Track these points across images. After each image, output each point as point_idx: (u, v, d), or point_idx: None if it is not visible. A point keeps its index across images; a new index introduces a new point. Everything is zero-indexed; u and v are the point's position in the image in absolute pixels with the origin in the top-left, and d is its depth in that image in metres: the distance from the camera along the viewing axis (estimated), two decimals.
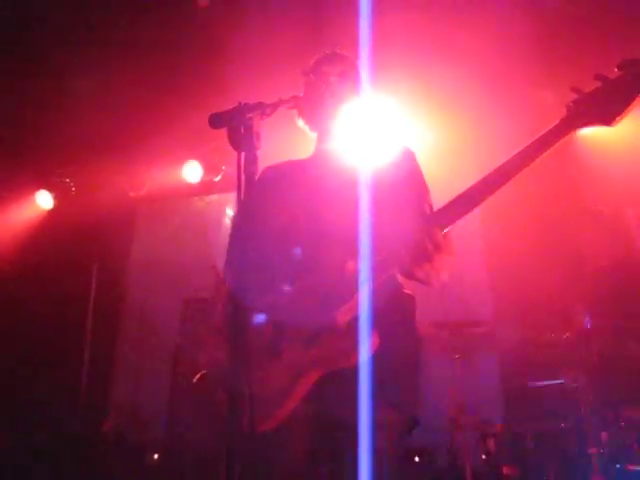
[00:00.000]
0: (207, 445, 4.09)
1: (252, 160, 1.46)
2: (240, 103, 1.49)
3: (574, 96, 1.63)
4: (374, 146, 2.06)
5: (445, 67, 4.35)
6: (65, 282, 5.85)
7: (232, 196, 1.68)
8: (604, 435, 3.06)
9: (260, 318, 1.81)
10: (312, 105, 2.02)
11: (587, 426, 3.07)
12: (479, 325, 3.98)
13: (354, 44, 2.28)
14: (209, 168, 5.80)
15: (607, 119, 1.56)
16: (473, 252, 4.95)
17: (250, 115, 1.48)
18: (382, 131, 2.21)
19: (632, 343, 3.46)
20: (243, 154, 1.45)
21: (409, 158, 2.04)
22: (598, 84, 1.60)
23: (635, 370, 3.37)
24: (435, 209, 1.72)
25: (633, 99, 1.53)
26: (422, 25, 4.06)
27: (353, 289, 1.67)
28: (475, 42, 4.16)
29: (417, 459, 4.07)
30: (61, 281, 5.81)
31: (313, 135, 2.20)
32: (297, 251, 1.89)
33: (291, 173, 2.11)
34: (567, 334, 3.41)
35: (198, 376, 1.83)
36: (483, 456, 3.57)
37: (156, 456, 4.88)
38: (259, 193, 2.00)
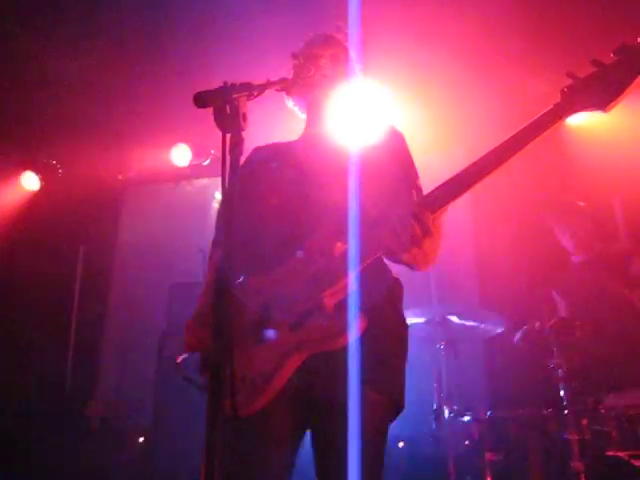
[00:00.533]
0: (193, 427, 4.09)
1: (238, 141, 1.45)
2: (226, 83, 1.47)
3: (569, 81, 1.63)
4: (364, 128, 2.05)
5: (436, 51, 4.33)
6: (51, 265, 5.80)
7: (221, 180, 1.67)
8: (584, 422, 3.10)
9: (246, 299, 1.81)
10: (301, 87, 2.01)
11: (568, 413, 3.11)
12: (465, 313, 4.00)
13: (344, 26, 2.25)
14: (198, 152, 5.77)
15: (601, 104, 1.56)
16: (461, 240, 4.97)
17: (236, 95, 1.47)
18: (372, 114, 2.19)
19: (612, 333, 3.50)
20: (229, 135, 1.44)
21: (398, 141, 2.04)
22: (593, 69, 1.60)
23: (616, 359, 3.41)
24: (425, 192, 1.72)
25: (628, 85, 1.53)
26: (412, 9, 4.03)
27: (340, 271, 1.67)
28: (467, 26, 4.15)
29: (401, 445, 4.11)
30: (47, 264, 5.76)
31: (303, 117, 2.19)
32: (284, 233, 1.88)
33: (280, 154, 2.10)
34: (551, 322, 3.43)
35: (181, 357, 1.82)
36: (466, 442, 3.61)
37: (141, 439, 4.89)
38: (247, 173, 2.00)
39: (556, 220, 3.95)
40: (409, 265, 1.72)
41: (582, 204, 3.90)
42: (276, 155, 2.10)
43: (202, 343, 1.81)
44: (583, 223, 3.84)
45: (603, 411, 3.13)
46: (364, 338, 1.65)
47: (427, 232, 1.59)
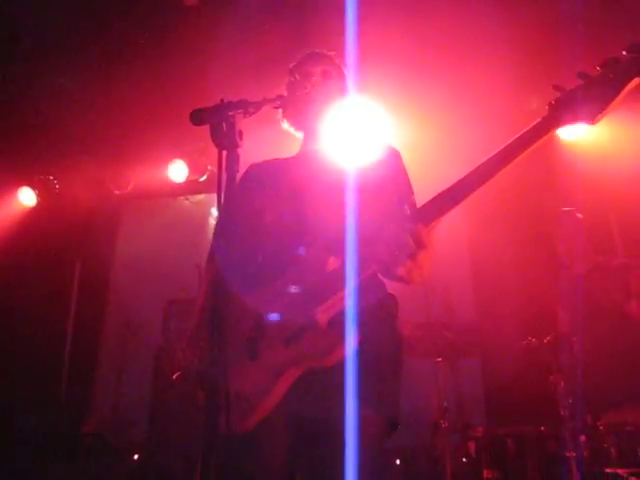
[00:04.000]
0: (188, 444, 4.07)
1: (234, 158, 1.46)
2: (222, 100, 1.48)
3: (556, 95, 1.64)
4: (359, 145, 2.07)
5: (429, 68, 4.37)
6: (47, 280, 5.79)
7: (217, 197, 1.69)
8: (583, 438, 3.08)
9: (240, 314, 1.80)
10: (297, 105, 2.02)
11: (566, 430, 3.09)
12: (462, 328, 3.99)
13: (339, 45, 2.28)
14: (194, 168, 5.79)
15: (589, 117, 1.57)
16: (457, 255, 4.97)
17: (233, 113, 1.48)
18: (367, 130, 2.21)
19: (610, 348, 3.49)
20: (225, 152, 1.45)
21: (394, 157, 2.05)
22: (580, 82, 1.61)
23: (615, 375, 3.40)
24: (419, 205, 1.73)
25: (615, 97, 1.54)
26: (406, 28, 4.07)
27: (335, 287, 1.67)
28: (458, 45, 4.19)
29: (398, 462, 4.08)
30: (43, 279, 5.75)
31: (299, 135, 2.20)
32: (279, 249, 1.88)
33: (277, 171, 2.11)
34: (548, 338, 3.43)
35: (177, 374, 1.81)
36: (464, 459, 3.58)
37: (136, 457, 4.84)
38: (244, 189, 2.01)
39: (555, 230, 3.96)
40: (403, 279, 1.71)
41: (580, 216, 3.92)
42: (272, 172, 2.11)
43: (196, 360, 1.80)
44: (582, 235, 3.85)
45: (602, 428, 3.11)
46: (358, 354, 1.65)
47: (421, 245, 1.59)
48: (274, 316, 1.75)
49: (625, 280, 3.69)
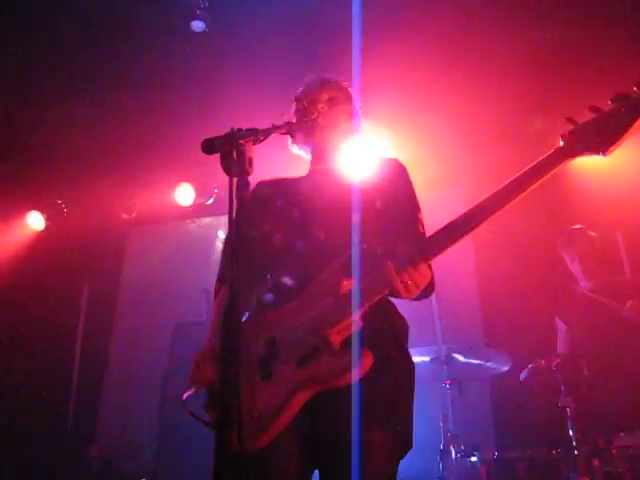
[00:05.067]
0: (197, 469, 4.03)
1: (244, 185, 1.48)
2: (233, 129, 1.51)
3: (567, 124, 1.68)
4: (367, 166, 2.09)
5: (437, 92, 4.41)
6: (55, 304, 5.81)
7: (224, 219, 1.73)
8: (595, 462, 3.04)
9: (253, 335, 1.81)
10: (305, 132, 2.05)
11: (578, 454, 3.05)
12: (470, 351, 3.96)
13: (346, 69, 2.31)
14: (201, 191, 5.82)
15: (601, 149, 1.61)
16: (465, 278, 4.97)
17: (243, 140, 1.50)
18: (375, 151, 2.24)
19: (620, 369, 3.46)
20: (235, 179, 1.47)
21: (401, 175, 2.07)
22: (592, 115, 1.65)
23: (626, 395, 3.37)
24: (427, 233, 1.75)
25: (626, 131, 1.59)
26: (412, 52, 4.12)
27: (347, 309, 1.68)
28: (462, 66, 4.24)
29: None
30: (51, 303, 5.77)
31: (308, 157, 2.23)
32: (290, 271, 1.89)
33: (285, 192, 2.12)
34: (557, 360, 3.40)
35: (187, 394, 1.82)
36: None
37: None
38: (252, 209, 2.02)
39: (566, 246, 4.01)
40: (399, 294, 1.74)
41: (593, 233, 3.96)
42: (281, 193, 2.12)
43: (208, 379, 1.80)
44: (593, 251, 3.89)
45: (614, 451, 3.06)
46: (371, 376, 1.65)
47: (425, 278, 1.67)
48: (287, 335, 1.76)
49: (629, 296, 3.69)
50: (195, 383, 1.83)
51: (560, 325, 3.96)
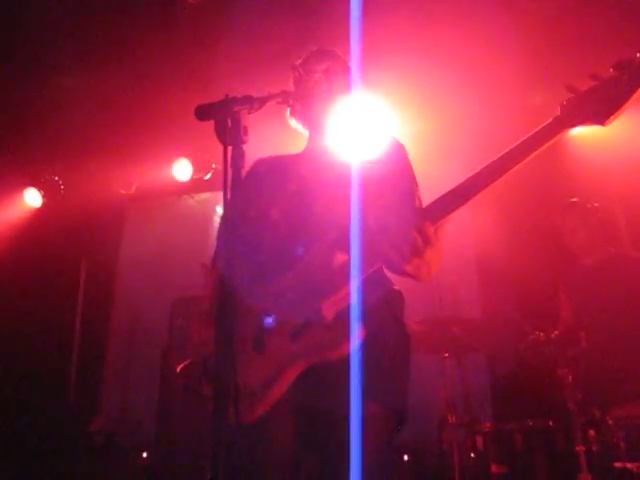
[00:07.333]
0: (196, 442, 4.08)
1: (239, 154, 1.46)
2: (227, 96, 1.48)
3: (568, 95, 1.63)
4: (365, 140, 2.07)
5: (436, 64, 4.36)
6: (53, 281, 5.81)
7: (222, 194, 1.70)
8: (591, 433, 3.07)
9: (247, 308, 1.80)
10: (301, 101, 2.02)
11: (575, 424, 3.08)
12: (468, 323, 3.98)
13: (344, 41, 2.27)
14: (199, 166, 5.79)
15: (601, 119, 1.56)
16: (463, 251, 4.96)
17: (238, 108, 1.47)
18: (373, 126, 2.20)
19: (618, 341, 3.47)
20: (230, 148, 1.45)
21: (399, 152, 2.05)
22: (593, 83, 1.60)
23: (622, 369, 3.38)
24: (426, 204, 1.73)
25: (627, 99, 1.53)
26: (412, 24, 4.07)
27: (340, 282, 1.67)
28: (465, 42, 4.18)
29: (406, 457, 4.08)
30: (49, 280, 5.77)
31: (306, 133, 2.21)
32: (285, 245, 1.89)
33: (283, 167, 2.11)
34: (555, 332, 3.41)
35: (182, 365, 1.83)
36: (472, 455, 3.57)
37: (145, 455, 4.85)
38: (250, 185, 2.01)
39: (568, 220, 3.90)
40: (411, 276, 1.71)
41: (594, 205, 3.87)
42: (278, 168, 2.12)
43: (203, 353, 1.80)
44: (596, 224, 3.82)
45: (611, 422, 3.09)
46: (364, 349, 1.65)
47: (428, 243, 1.59)
48: (278, 312, 1.76)
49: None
50: (190, 355, 1.83)
51: (563, 298, 3.93)
